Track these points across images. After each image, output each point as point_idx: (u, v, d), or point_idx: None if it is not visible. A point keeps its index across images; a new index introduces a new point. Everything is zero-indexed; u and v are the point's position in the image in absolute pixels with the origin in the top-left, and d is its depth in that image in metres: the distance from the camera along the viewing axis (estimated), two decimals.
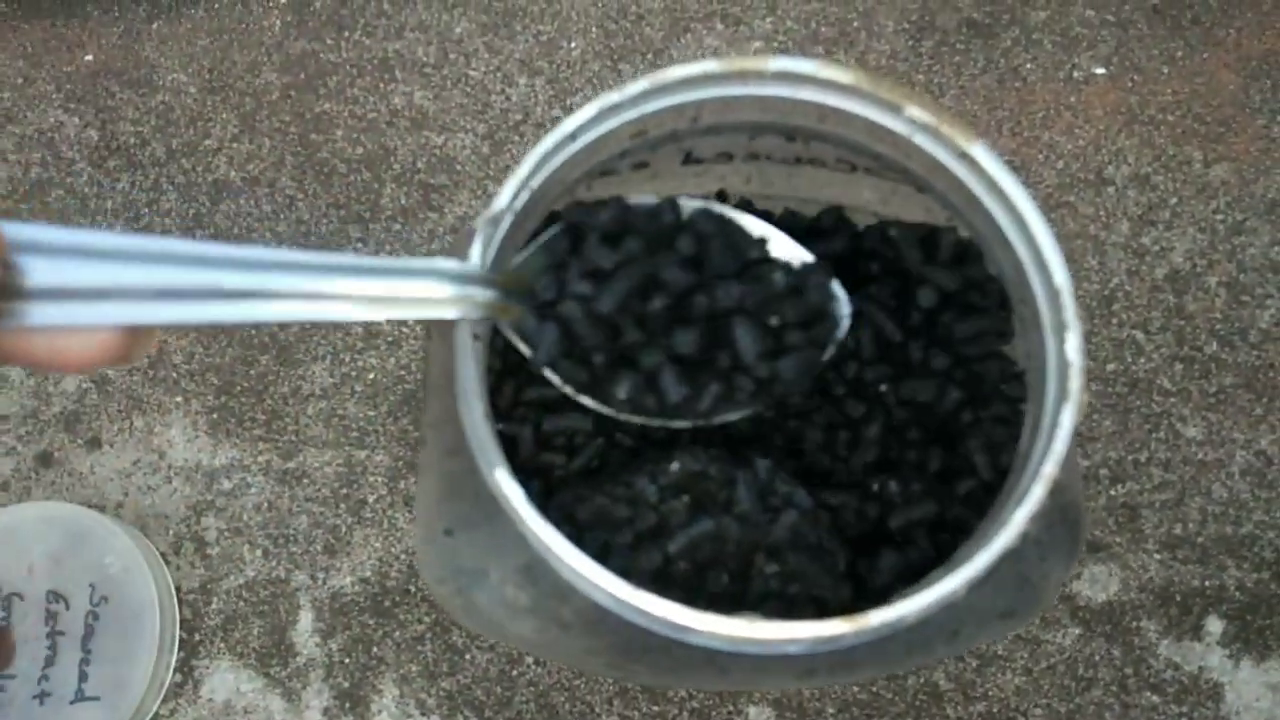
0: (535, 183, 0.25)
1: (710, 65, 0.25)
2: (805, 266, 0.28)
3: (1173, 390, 0.58)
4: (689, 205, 0.27)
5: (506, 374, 0.31)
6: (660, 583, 0.25)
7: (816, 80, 0.25)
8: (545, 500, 0.30)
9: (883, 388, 0.31)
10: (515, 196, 0.24)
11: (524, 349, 0.26)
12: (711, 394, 0.26)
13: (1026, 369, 0.26)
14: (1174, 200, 0.61)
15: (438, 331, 0.28)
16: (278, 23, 0.67)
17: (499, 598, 0.24)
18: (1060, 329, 0.23)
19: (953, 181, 0.25)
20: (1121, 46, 0.64)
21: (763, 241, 0.27)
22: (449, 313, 0.23)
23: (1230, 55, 0.64)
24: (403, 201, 0.63)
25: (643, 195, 0.27)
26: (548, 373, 0.25)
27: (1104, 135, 0.62)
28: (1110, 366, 0.58)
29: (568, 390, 0.26)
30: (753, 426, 0.30)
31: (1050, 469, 0.22)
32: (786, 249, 0.28)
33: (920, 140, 0.25)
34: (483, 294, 0.24)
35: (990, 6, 0.66)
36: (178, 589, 0.57)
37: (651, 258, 0.26)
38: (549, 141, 0.24)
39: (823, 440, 0.31)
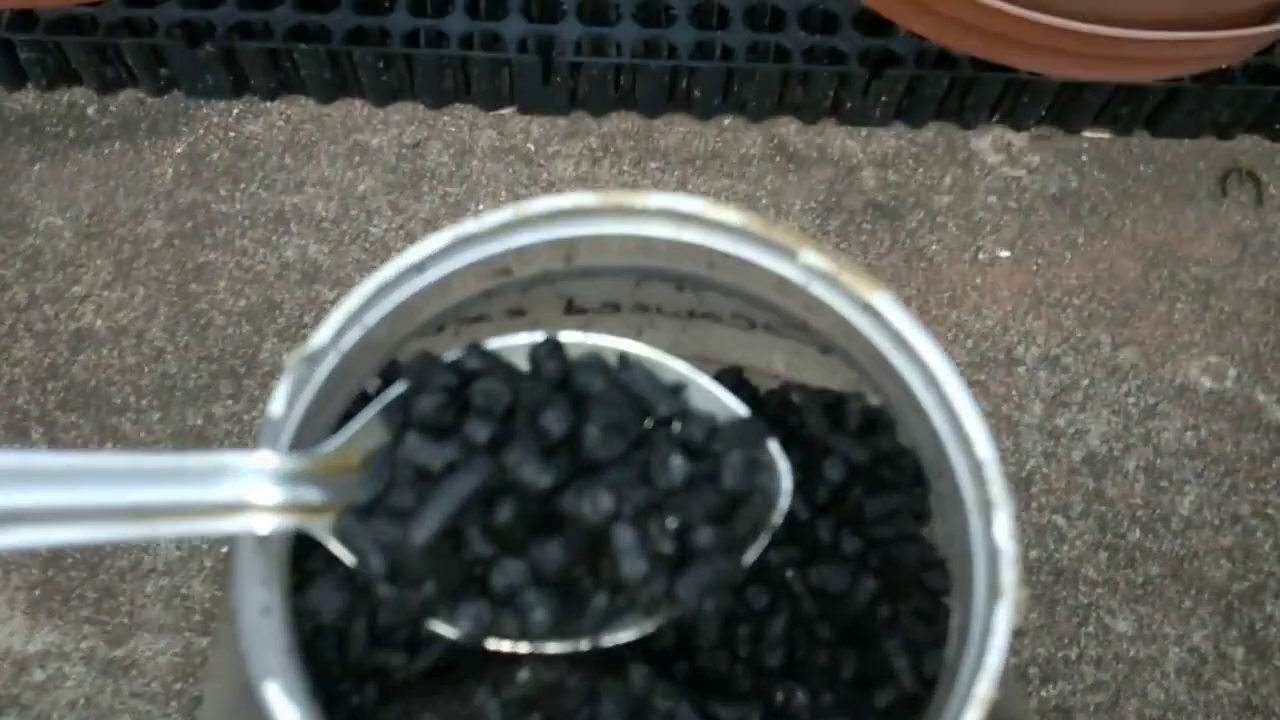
0: (370, 319, 0.21)
1: (584, 198, 0.22)
2: (728, 429, 0.22)
3: (1099, 580, 0.55)
4: (578, 347, 0.22)
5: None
6: None
7: (702, 220, 0.22)
8: (379, 711, 0.24)
9: (789, 573, 0.27)
10: (340, 333, 0.20)
11: (347, 558, 0.20)
12: (594, 614, 0.21)
13: (948, 556, 0.22)
14: (1085, 382, 0.60)
15: None
16: (170, 171, 0.64)
17: None
18: (986, 507, 0.19)
19: (856, 338, 0.22)
20: (1024, 231, 0.65)
21: (677, 390, 0.22)
22: (262, 524, 0.19)
23: (1128, 244, 0.65)
24: (284, 356, 0.58)
25: (518, 335, 0.22)
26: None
27: (1011, 315, 0.62)
28: (1033, 554, 0.55)
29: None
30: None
31: (985, 689, 0.18)
32: (711, 399, 0.23)
33: (818, 290, 0.22)
34: (305, 493, 0.19)
35: (894, 190, 0.67)
36: None
37: (501, 448, 0.20)
38: (389, 270, 0.21)
39: (718, 636, 0.26)
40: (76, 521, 0.17)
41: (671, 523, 0.20)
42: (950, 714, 0.18)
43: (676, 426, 0.21)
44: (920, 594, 0.26)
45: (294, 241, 0.61)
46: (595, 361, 0.21)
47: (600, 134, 0.67)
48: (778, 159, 0.67)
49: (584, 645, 0.21)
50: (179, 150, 0.64)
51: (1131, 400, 0.60)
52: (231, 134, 0.65)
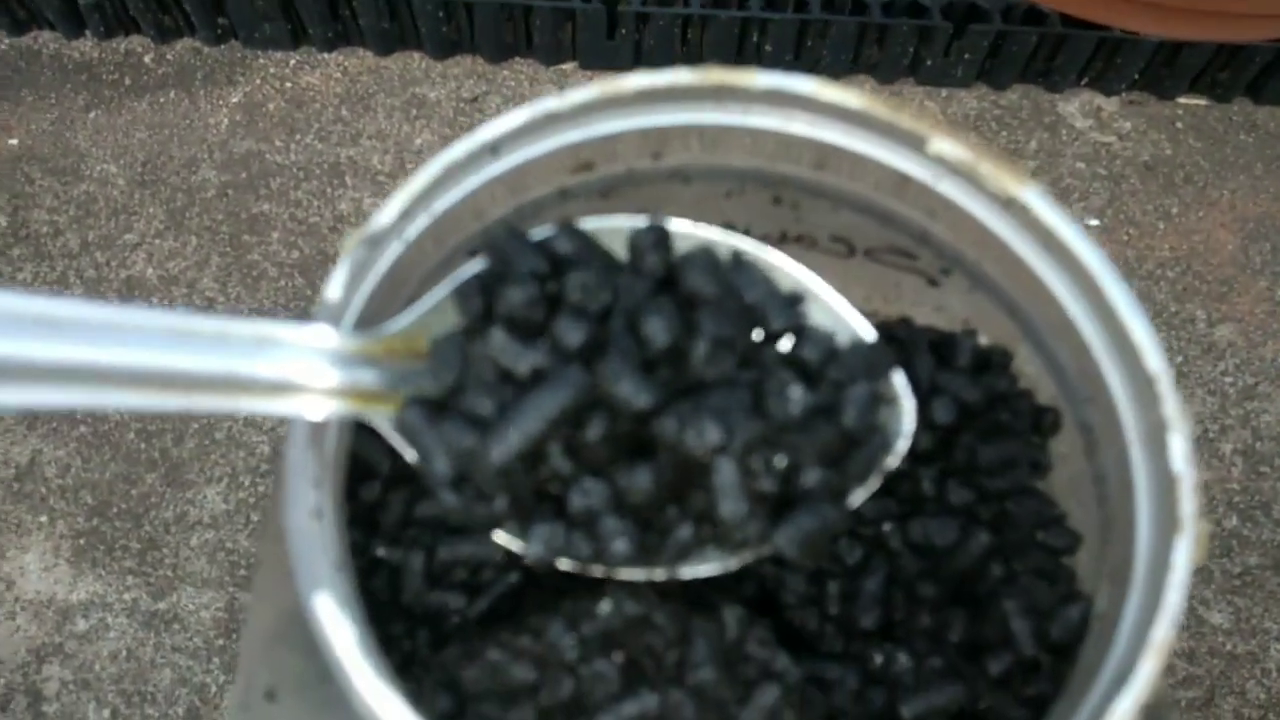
0: (439, 206, 0.18)
1: (681, 76, 0.19)
2: (851, 355, 0.19)
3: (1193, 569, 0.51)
4: (686, 238, 0.19)
5: (396, 480, 0.23)
6: None
7: (816, 105, 0.19)
8: (433, 656, 0.22)
9: (886, 527, 0.24)
10: (405, 216, 0.18)
11: (409, 454, 0.18)
12: (675, 546, 0.18)
13: (1102, 496, 0.19)
14: (1179, 359, 0.56)
15: None
16: (225, 121, 0.62)
17: None
18: (1158, 431, 0.16)
19: (989, 244, 0.20)
20: (1115, 200, 0.61)
21: (794, 302, 0.19)
22: (314, 408, 0.16)
23: (1226, 216, 0.61)
24: (343, 240, 0.56)
25: (617, 217, 0.19)
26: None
27: None
28: None
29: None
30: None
31: (1164, 633, 0.15)
32: (831, 314, 0.19)
33: (946, 189, 0.19)
34: (364, 376, 0.17)
35: None
36: None
37: (595, 355, 0.17)
38: (459, 150, 0.18)
39: (806, 592, 0.24)
40: (101, 384, 0.15)
41: (780, 461, 0.17)
42: (1117, 665, 0.15)
43: (791, 343, 0.18)
44: (1038, 552, 0.23)
45: (349, 194, 0.60)
46: (706, 259, 0.18)
47: None
48: None
49: (659, 575, 0.18)
50: (235, 100, 0.63)
51: (1229, 380, 0.56)
52: (288, 85, 0.63)
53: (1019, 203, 0.18)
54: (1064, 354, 0.19)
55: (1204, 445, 0.54)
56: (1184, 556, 0.15)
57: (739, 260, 0.19)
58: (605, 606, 0.18)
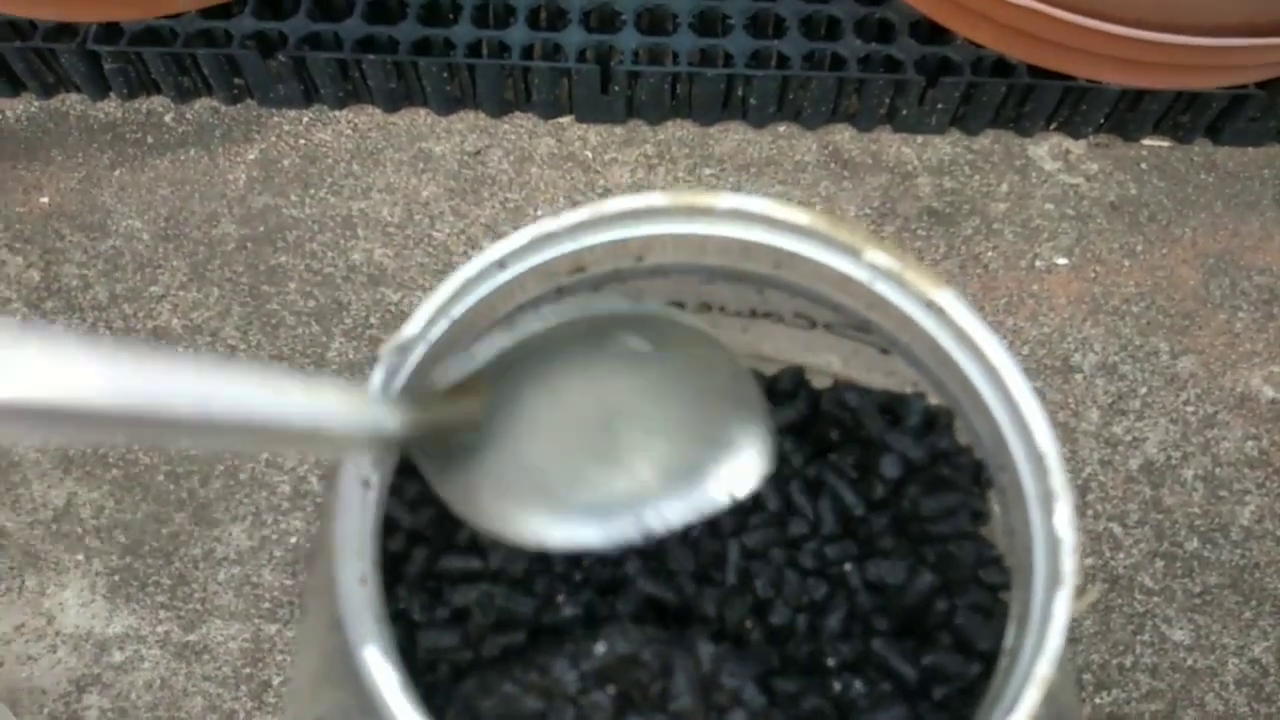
0: (456, 312, 0.22)
1: (655, 199, 0.23)
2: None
3: (1155, 589, 0.54)
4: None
5: (419, 538, 0.27)
6: None
7: (771, 221, 0.23)
8: (450, 692, 0.25)
9: (847, 567, 0.28)
10: (430, 323, 0.21)
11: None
12: None
13: (1008, 551, 0.23)
14: (1143, 390, 0.60)
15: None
16: (243, 177, 0.66)
17: None
18: (1047, 500, 0.20)
19: (919, 335, 0.23)
20: (1082, 239, 0.65)
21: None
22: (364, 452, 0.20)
23: (1188, 252, 0.64)
24: (351, 355, 0.60)
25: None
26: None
27: (1069, 323, 0.62)
28: (1089, 561, 0.55)
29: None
30: (692, 602, 0.26)
31: (1044, 669, 0.18)
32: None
33: (881, 288, 0.23)
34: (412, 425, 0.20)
35: (950, 197, 0.67)
36: None
37: None
38: (473, 267, 0.22)
39: (775, 628, 0.27)
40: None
41: None
42: (1010, 695, 0.19)
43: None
44: (978, 589, 0.27)
45: (361, 245, 0.63)
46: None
47: (656, 141, 0.68)
48: (832, 166, 0.67)
49: None
50: (251, 157, 0.67)
51: (1190, 409, 0.59)
52: (302, 141, 0.67)
53: (937, 304, 0.22)
54: (981, 428, 0.23)
55: (1167, 471, 0.57)
56: (1063, 606, 0.19)
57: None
58: (600, 647, 0.21)
